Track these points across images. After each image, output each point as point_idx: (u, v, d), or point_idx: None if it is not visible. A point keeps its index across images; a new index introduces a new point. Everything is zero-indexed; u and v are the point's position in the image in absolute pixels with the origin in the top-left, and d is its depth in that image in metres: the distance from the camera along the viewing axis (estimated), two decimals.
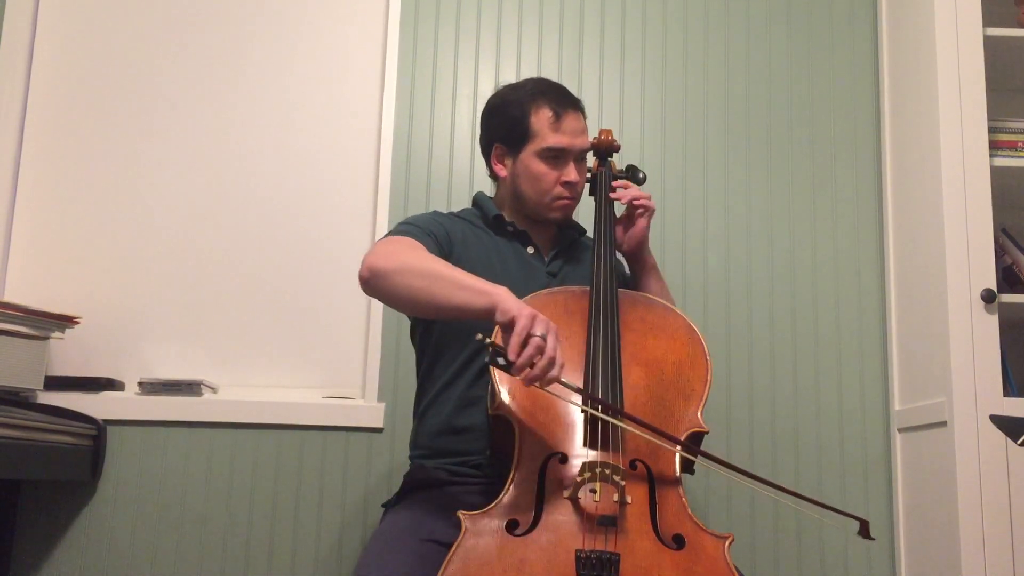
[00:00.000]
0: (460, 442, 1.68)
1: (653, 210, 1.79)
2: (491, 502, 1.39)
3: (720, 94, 2.47)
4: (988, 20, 2.14)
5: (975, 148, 2.08)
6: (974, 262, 2.03)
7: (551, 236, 1.85)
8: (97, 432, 2.16)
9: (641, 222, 1.78)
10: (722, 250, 2.38)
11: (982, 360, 1.99)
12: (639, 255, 1.82)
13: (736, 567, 1.34)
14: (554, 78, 2.07)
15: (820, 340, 2.35)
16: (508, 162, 1.79)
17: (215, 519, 2.19)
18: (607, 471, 1.36)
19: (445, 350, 1.73)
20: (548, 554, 1.30)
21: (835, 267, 2.39)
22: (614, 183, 1.81)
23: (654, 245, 1.93)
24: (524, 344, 1.34)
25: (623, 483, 1.35)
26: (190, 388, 2.22)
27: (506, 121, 1.77)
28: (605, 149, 1.86)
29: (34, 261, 2.36)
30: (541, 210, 1.78)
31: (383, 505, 1.76)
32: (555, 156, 1.74)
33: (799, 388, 2.33)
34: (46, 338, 2.15)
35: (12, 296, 2.30)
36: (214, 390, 2.29)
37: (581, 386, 1.41)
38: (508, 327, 1.37)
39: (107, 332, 2.33)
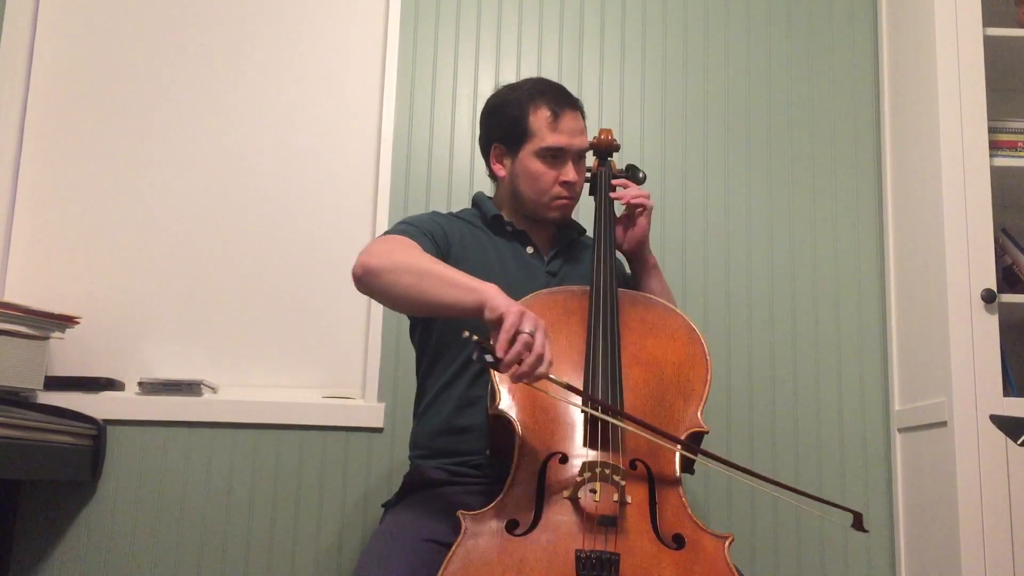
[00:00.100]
0: (460, 442, 1.68)
1: (651, 207, 1.79)
2: (491, 502, 1.39)
3: (720, 94, 2.47)
4: (988, 20, 2.14)
5: (975, 148, 2.08)
6: (974, 262, 2.03)
7: (550, 236, 1.85)
8: (97, 432, 2.16)
9: (642, 221, 1.78)
10: (722, 250, 2.39)
11: (982, 360, 1.99)
12: (640, 254, 1.82)
13: (736, 567, 1.34)
14: (554, 78, 2.08)
15: (820, 340, 2.35)
16: (507, 162, 1.79)
17: (215, 519, 2.19)
18: (607, 471, 1.36)
19: (445, 350, 1.73)
20: (548, 554, 1.30)
21: (835, 267, 2.39)
22: (614, 182, 1.82)
23: (654, 245, 1.93)
24: (513, 341, 1.34)
25: (623, 483, 1.35)
26: (190, 388, 2.22)
27: (505, 121, 1.77)
28: (605, 149, 1.86)
29: (34, 261, 2.36)
30: (540, 210, 1.78)
31: (383, 505, 1.76)
32: (553, 156, 1.74)
33: (799, 388, 2.33)
34: (46, 338, 2.15)
35: (12, 296, 2.30)
36: (214, 390, 2.29)
37: (570, 383, 1.40)
38: (497, 324, 1.36)
39: (107, 332, 2.33)
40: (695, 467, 1.55)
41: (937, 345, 2.07)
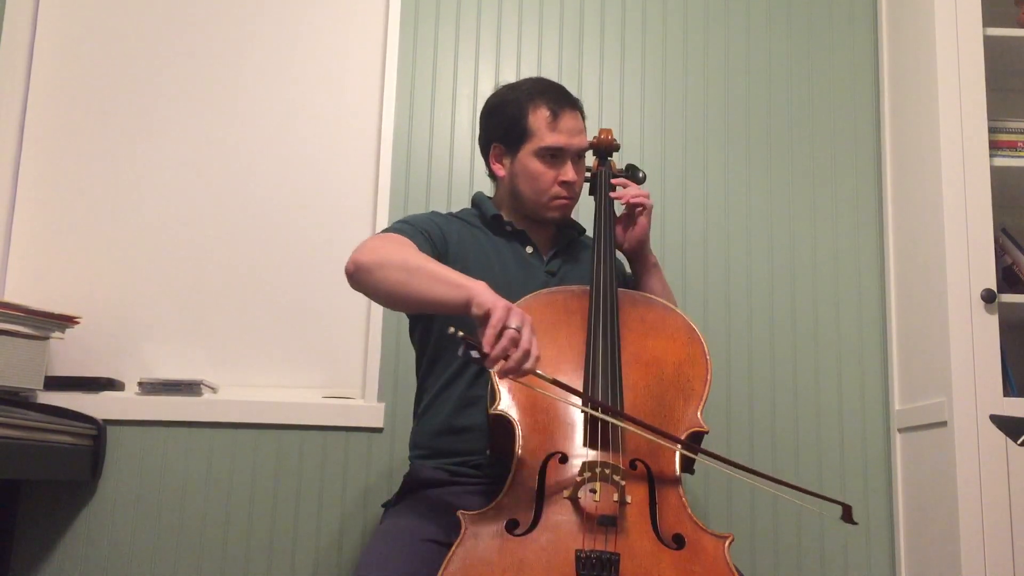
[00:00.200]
0: (460, 442, 1.68)
1: (651, 207, 1.79)
2: (491, 502, 1.39)
3: (720, 94, 2.47)
4: (988, 20, 2.14)
5: (975, 148, 2.08)
6: (974, 262, 2.03)
7: (550, 235, 1.85)
8: (97, 432, 2.16)
9: (642, 221, 1.78)
10: (722, 250, 2.39)
11: (982, 360, 1.99)
12: (640, 254, 1.82)
13: (736, 567, 1.34)
14: (554, 78, 2.08)
15: (820, 340, 2.35)
16: (506, 161, 1.79)
17: (215, 519, 2.19)
18: (607, 471, 1.36)
19: (445, 350, 1.73)
20: (548, 554, 1.30)
21: (835, 267, 2.39)
22: (613, 182, 1.81)
23: (654, 245, 1.93)
24: (500, 337, 1.34)
25: (623, 483, 1.35)
26: (190, 388, 2.22)
27: (504, 120, 1.77)
28: (605, 148, 1.86)
29: (34, 261, 2.36)
30: (539, 209, 1.78)
31: (383, 505, 1.76)
32: (552, 155, 1.74)
33: (799, 388, 2.33)
34: (46, 338, 2.15)
35: (12, 296, 2.30)
36: (214, 390, 2.29)
37: (557, 379, 1.39)
38: (484, 319, 1.36)
39: (107, 332, 2.33)
40: (695, 467, 1.55)
41: (937, 345, 2.07)
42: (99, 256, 2.37)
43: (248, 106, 2.44)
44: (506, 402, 1.48)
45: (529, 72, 2.40)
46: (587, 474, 1.37)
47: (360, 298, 2.25)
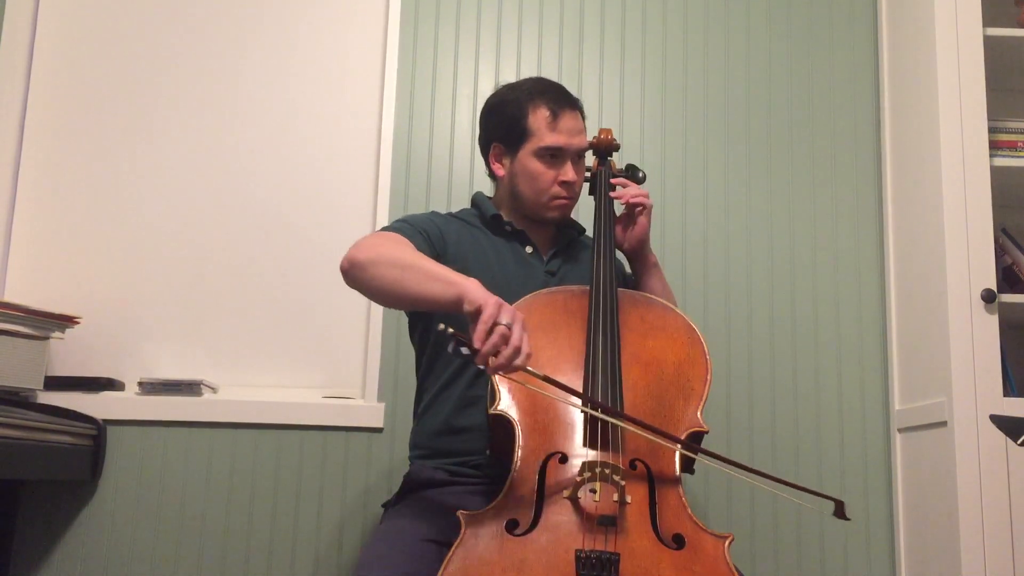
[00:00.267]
0: (460, 442, 1.68)
1: (651, 207, 1.79)
2: (491, 502, 1.39)
3: (720, 94, 2.47)
4: (988, 20, 2.14)
5: (975, 148, 2.08)
6: (974, 262, 2.03)
7: (549, 235, 1.85)
8: (97, 432, 2.16)
9: (642, 221, 1.78)
10: (722, 250, 2.39)
11: (982, 360, 1.99)
12: (640, 254, 1.82)
13: (736, 567, 1.34)
14: (554, 78, 2.08)
15: (820, 340, 2.35)
16: (506, 161, 1.79)
17: (215, 519, 2.19)
18: (607, 471, 1.36)
19: (444, 350, 1.73)
20: (548, 554, 1.30)
21: (835, 267, 2.39)
22: (613, 182, 1.81)
23: (654, 244, 1.93)
24: (491, 333, 1.34)
25: (623, 483, 1.35)
26: (190, 388, 2.22)
27: (504, 120, 1.77)
28: (605, 148, 1.86)
29: (34, 261, 2.36)
30: (539, 209, 1.78)
31: (383, 505, 1.76)
32: (552, 155, 1.74)
33: (799, 388, 2.33)
34: (46, 338, 2.15)
35: (12, 296, 2.30)
36: (214, 390, 2.29)
37: (548, 376, 1.39)
38: (475, 316, 1.36)
39: (107, 332, 2.33)
40: (695, 467, 1.55)
41: (937, 345, 2.07)
42: (99, 256, 2.37)
43: (248, 106, 2.44)
44: (506, 402, 1.48)
45: (529, 72, 2.40)
46: (587, 474, 1.37)
47: (360, 298, 2.25)
